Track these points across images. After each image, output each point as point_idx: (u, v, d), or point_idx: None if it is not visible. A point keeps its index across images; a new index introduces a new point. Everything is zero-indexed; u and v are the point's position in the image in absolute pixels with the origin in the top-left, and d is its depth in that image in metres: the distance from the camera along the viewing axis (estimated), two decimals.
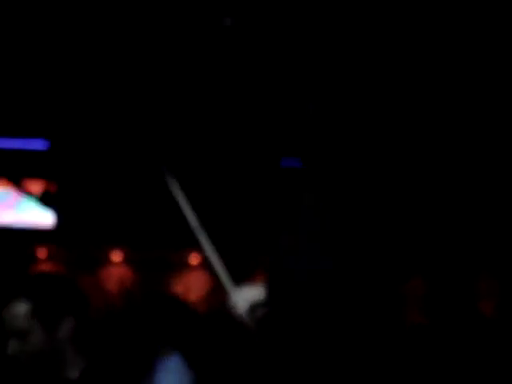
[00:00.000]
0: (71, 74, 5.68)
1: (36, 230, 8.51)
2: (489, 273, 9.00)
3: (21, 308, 2.06)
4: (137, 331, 3.17)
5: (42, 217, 8.39)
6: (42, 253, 9.43)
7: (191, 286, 9.54)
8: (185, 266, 9.55)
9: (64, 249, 9.05)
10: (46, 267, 9.55)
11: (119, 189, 8.03)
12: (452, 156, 7.07)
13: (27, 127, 7.26)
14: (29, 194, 8.18)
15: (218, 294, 10.04)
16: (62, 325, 2.05)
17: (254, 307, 1.73)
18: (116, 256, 9.55)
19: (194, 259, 9.44)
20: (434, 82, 5.09)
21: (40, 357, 2.05)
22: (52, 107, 6.64)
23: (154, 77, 5.48)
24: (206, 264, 9.52)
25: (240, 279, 1.94)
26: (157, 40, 4.84)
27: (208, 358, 3.66)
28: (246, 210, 8.10)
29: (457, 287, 9.03)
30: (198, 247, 8.65)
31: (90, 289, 9.35)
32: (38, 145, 7.56)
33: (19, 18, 4.86)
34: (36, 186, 8.16)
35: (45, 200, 8.12)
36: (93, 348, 2.10)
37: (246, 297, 1.75)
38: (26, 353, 2.05)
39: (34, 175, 8.16)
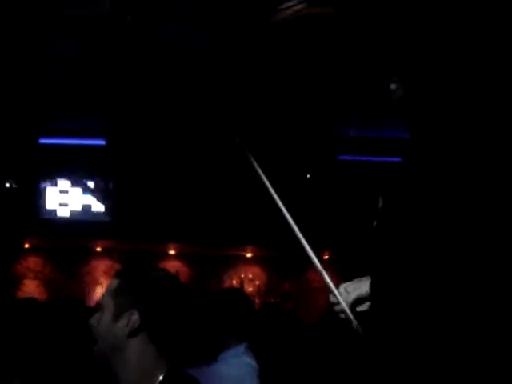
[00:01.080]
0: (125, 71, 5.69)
1: (94, 223, 8.61)
2: None
3: (112, 283, 2.08)
4: (202, 324, 3.17)
5: (99, 211, 8.49)
6: (98, 246, 9.58)
7: (246, 279, 9.57)
8: (240, 260, 9.57)
9: (120, 242, 9.15)
10: (101, 260, 9.72)
11: (176, 183, 8.05)
12: None
13: (86, 125, 7.35)
14: (88, 189, 8.28)
15: (272, 286, 10.11)
16: (124, 317, 2.01)
17: (357, 302, 1.68)
18: (172, 250, 9.62)
19: (248, 253, 9.46)
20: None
21: (101, 342, 2.04)
22: (109, 104, 6.69)
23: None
24: (262, 258, 9.54)
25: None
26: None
27: (273, 348, 3.66)
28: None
29: None
30: (252, 241, 8.72)
31: None
32: (96, 142, 7.64)
33: None
34: (95, 182, 8.26)
35: (103, 195, 8.21)
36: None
37: (349, 292, 1.69)
38: (95, 329, 2.05)
39: (93, 171, 8.26)
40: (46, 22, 5.07)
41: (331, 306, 1.70)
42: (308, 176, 7.86)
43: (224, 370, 3.04)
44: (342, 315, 1.68)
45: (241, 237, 8.41)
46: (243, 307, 3.26)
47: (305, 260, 1.76)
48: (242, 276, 9.64)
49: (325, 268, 1.73)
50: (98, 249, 9.67)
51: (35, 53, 5.55)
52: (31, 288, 9.38)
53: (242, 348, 3.12)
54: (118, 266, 9.66)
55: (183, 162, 7.73)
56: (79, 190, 8.34)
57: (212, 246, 8.85)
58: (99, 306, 2.10)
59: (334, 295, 1.68)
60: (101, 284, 9.52)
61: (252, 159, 1.78)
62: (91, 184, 8.24)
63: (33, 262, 9.55)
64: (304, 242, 1.74)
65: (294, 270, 9.02)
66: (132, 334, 2.00)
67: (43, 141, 7.57)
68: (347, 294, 1.66)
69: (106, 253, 9.70)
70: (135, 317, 2.00)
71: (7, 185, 8.21)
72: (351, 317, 1.65)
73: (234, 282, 9.58)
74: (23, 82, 5.93)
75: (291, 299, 9.17)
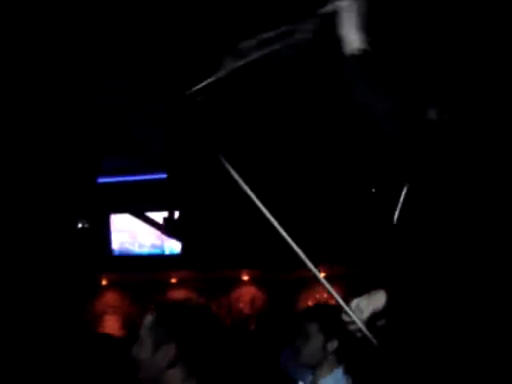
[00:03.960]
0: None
1: (166, 256, 8.74)
2: None
3: (148, 317, 2.12)
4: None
5: (170, 244, 8.61)
6: (174, 278, 9.72)
7: (322, 300, 9.48)
8: (313, 282, 9.48)
9: (193, 272, 9.25)
10: (178, 291, 9.85)
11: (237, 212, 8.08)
12: None
13: (147, 162, 7.50)
14: (154, 223, 8.42)
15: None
16: (162, 349, 2.04)
17: (374, 317, 1.61)
18: (245, 275, 9.66)
19: (322, 273, 9.35)
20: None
21: (143, 373, 2.07)
22: (169, 138, 6.78)
23: None
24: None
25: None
26: None
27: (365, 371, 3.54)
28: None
29: None
30: (327, 260, 8.64)
31: (221, 310, 9.51)
32: (158, 177, 7.77)
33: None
34: (160, 216, 8.40)
35: (171, 228, 8.32)
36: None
37: (361, 309, 1.63)
38: (137, 361, 2.09)
39: (157, 206, 8.40)
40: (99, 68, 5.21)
41: (346, 326, 1.65)
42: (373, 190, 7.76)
43: None
44: (359, 334, 1.62)
45: (314, 257, 8.33)
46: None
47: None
48: (317, 296, 9.56)
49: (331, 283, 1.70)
50: (173, 280, 9.81)
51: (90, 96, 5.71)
52: (111, 324, 9.61)
53: (339, 372, 2.93)
54: (194, 296, 9.78)
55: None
56: (147, 225, 8.50)
57: (286, 270, 8.82)
58: (138, 340, 2.14)
59: (348, 314, 1.62)
60: None
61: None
62: (157, 217, 8.38)
63: (111, 297, 9.79)
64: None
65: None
66: (170, 365, 2.02)
67: (106, 180, 7.77)
68: (360, 311, 1.60)
69: (181, 284, 9.83)
70: (172, 349, 2.03)
71: (79, 225, 8.46)
72: (369, 335, 1.58)
73: (310, 303, 9.51)
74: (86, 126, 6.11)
75: None
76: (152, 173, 7.89)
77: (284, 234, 1.78)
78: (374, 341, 1.56)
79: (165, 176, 7.76)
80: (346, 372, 2.93)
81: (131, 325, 9.48)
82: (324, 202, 7.86)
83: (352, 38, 1.55)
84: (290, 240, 1.73)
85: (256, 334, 8.43)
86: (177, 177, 7.57)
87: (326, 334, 2.93)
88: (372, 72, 1.51)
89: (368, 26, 1.58)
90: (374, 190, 7.99)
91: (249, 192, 1.80)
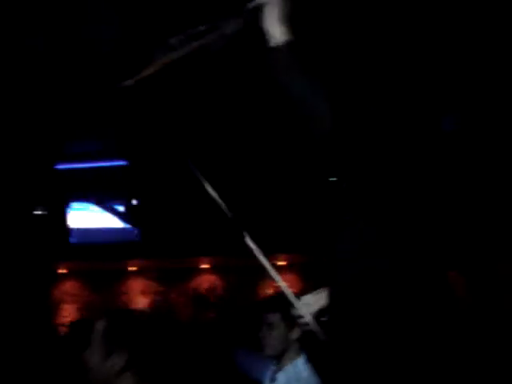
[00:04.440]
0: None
1: (125, 244, 8.68)
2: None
3: (100, 324, 2.15)
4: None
5: (130, 232, 8.55)
6: (133, 266, 9.66)
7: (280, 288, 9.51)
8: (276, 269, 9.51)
9: (152, 261, 9.21)
10: (137, 280, 9.80)
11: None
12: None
13: (107, 148, 7.42)
14: (114, 210, 8.35)
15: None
16: (113, 356, 2.06)
17: (319, 314, 1.67)
18: (205, 264, 9.65)
19: (281, 261, 9.41)
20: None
21: (93, 377, 2.09)
22: (130, 127, 6.73)
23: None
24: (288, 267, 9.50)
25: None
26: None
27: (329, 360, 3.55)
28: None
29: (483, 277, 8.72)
30: (284, 250, 8.68)
31: (178, 298, 9.50)
32: (119, 164, 7.71)
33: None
34: (120, 203, 8.33)
35: (130, 216, 8.27)
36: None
37: (309, 304, 1.68)
38: (88, 365, 2.10)
39: (117, 193, 8.33)
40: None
41: (295, 320, 1.69)
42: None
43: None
44: (307, 328, 1.68)
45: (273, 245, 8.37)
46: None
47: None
48: (276, 285, 9.59)
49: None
50: (133, 268, 9.75)
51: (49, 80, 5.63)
52: (67, 312, 9.51)
53: (300, 361, 2.94)
54: (153, 284, 9.75)
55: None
56: (106, 212, 8.41)
57: (245, 257, 8.82)
58: (92, 343, 2.15)
59: (297, 309, 1.67)
60: (138, 303, 9.60)
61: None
62: (117, 205, 8.31)
63: (70, 286, 9.69)
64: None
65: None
66: (120, 372, 2.05)
67: (65, 166, 7.68)
68: (309, 306, 1.66)
69: (140, 272, 9.78)
70: (123, 356, 2.06)
71: (37, 212, 8.34)
72: (316, 328, 1.63)
73: (270, 291, 9.54)
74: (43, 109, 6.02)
75: None
76: (112, 160, 7.82)
77: (235, 222, 1.79)
78: (321, 333, 1.61)
79: (125, 163, 7.71)
80: (307, 361, 2.95)
81: (89, 314, 9.42)
82: (280, 191, 7.93)
83: (274, 30, 1.59)
84: (241, 229, 1.75)
85: (216, 322, 8.46)
86: (137, 164, 7.53)
87: (287, 323, 2.96)
88: (296, 63, 1.55)
89: (290, 18, 1.62)
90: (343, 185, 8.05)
91: (204, 182, 1.81)
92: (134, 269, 9.75)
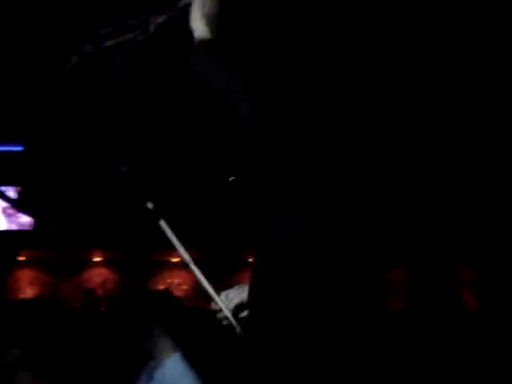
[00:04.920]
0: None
1: (17, 233, 8.44)
2: (467, 262, 9.10)
3: None
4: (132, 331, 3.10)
5: (22, 220, 8.33)
6: (23, 256, 9.38)
7: (173, 285, 9.54)
8: (166, 265, 9.52)
9: (43, 251, 9.00)
10: (27, 270, 9.53)
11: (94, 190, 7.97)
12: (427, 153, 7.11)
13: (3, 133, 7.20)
14: (6, 198, 8.11)
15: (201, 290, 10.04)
16: (8, 352, 2.10)
17: (239, 309, 1.71)
18: (97, 257, 9.52)
19: (175, 258, 9.42)
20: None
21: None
22: (28, 113, 6.58)
23: None
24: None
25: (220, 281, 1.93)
26: None
27: (207, 356, 3.59)
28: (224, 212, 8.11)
29: (436, 276, 9.14)
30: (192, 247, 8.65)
31: (71, 291, 9.33)
32: (14, 149, 7.49)
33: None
34: (13, 190, 8.10)
35: (23, 204, 8.06)
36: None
37: (229, 299, 1.73)
38: None
39: (11, 179, 8.09)
40: None
41: (214, 314, 1.73)
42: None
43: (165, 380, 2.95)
44: (225, 322, 1.71)
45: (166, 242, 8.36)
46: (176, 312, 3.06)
47: (235, 262, 1.78)
48: (169, 281, 9.61)
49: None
50: (22, 258, 9.49)
51: None
52: None
53: (179, 356, 2.94)
54: (43, 276, 9.51)
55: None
56: None
57: (138, 251, 8.79)
58: None
59: (216, 303, 1.71)
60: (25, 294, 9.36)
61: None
62: (10, 191, 8.08)
63: None
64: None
65: (223, 272, 9.05)
66: (17, 368, 2.10)
67: None
68: (228, 301, 1.70)
69: (30, 262, 9.52)
70: (18, 352, 2.10)
71: None
72: (234, 323, 1.68)
73: (162, 287, 9.53)
74: None
75: None
76: (7, 145, 7.60)
77: (152, 216, 1.80)
78: (238, 329, 1.66)
79: (20, 149, 7.52)
80: (185, 357, 3.00)
81: None
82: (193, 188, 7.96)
83: (197, 26, 1.63)
84: (162, 224, 1.76)
85: (106, 315, 8.35)
86: (33, 151, 7.36)
87: (155, 319, 2.98)
88: (218, 58, 1.58)
89: (214, 14, 1.66)
90: (232, 179, 8.17)
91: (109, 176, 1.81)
92: (23, 258, 9.49)
